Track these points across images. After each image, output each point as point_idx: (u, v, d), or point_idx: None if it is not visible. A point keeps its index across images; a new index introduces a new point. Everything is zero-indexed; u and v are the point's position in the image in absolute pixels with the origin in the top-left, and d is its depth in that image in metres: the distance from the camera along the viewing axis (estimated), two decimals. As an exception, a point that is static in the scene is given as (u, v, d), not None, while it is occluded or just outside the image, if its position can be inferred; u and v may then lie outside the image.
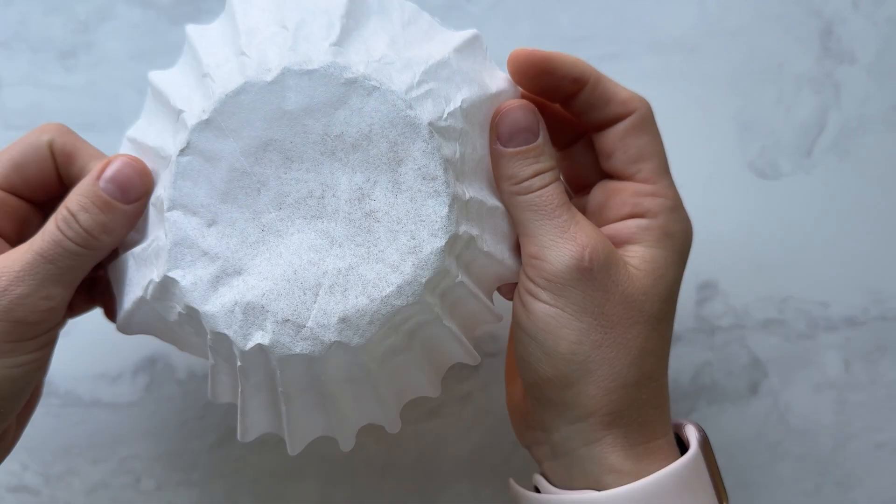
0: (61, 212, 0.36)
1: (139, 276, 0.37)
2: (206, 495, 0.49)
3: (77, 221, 0.36)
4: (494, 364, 0.50)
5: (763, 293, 0.50)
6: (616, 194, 0.38)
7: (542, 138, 0.36)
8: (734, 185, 0.51)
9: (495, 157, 0.36)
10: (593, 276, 0.35)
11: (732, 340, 0.50)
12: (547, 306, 0.36)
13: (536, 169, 0.36)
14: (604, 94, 0.37)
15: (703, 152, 0.51)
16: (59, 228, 0.35)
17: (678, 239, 0.38)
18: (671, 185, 0.38)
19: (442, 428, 0.49)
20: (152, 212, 0.37)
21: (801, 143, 0.51)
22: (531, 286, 0.36)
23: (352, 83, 0.34)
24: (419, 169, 0.34)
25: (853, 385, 0.50)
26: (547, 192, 0.36)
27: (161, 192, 0.36)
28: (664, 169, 0.38)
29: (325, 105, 0.34)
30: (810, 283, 0.51)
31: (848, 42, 0.52)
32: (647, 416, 0.36)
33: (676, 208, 0.38)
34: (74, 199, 0.36)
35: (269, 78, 0.34)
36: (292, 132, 0.34)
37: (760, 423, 0.50)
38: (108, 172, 0.36)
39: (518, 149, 0.36)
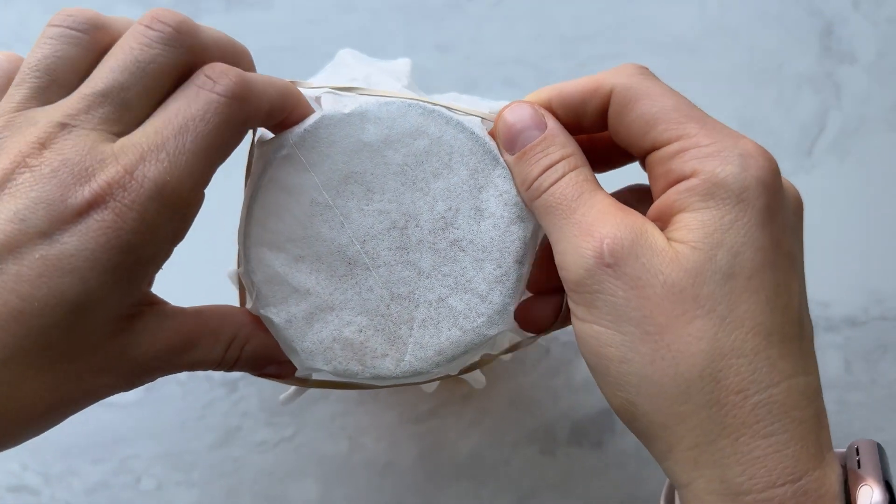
0: None
1: None
2: (206, 495, 0.49)
3: None
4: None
5: (763, 293, 0.50)
6: (657, 166, 0.30)
7: (548, 129, 0.32)
8: (734, 185, 0.51)
9: (510, 171, 0.33)
10: (620, 271, 0.28)
11: (732, 340, 0.50)
12: (583, 324, 0.29)
13: (544, 164, 0.31)
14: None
15: (703, 152, 0.51)
16: None
17: (733, 186, 0.28)
18: (721, 129, 0.29)
19: (442, 428, 0.49)
20: None
21: (801, 143, 0.51)
22: (570, 304, 0.30)
23: (430, 113, 0.34)
24: (501, 195, 0.34)
25: (853, 385, 0.50)
26: (559, 187, 0.30)
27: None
28: (706, 118, 0.30)
29: (405, 135, 0.35)
30: (810, 283, 0.51)
31: (848, 42, 0.52)
32: (753, 451, 0.27)
33: (725, 149, 0.28)
34: None
35: (346, 110, 0.34)
36: (372, 164, 0.35)
37: (760, 423, 0.50)
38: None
39: (521, 151, 0.32)
